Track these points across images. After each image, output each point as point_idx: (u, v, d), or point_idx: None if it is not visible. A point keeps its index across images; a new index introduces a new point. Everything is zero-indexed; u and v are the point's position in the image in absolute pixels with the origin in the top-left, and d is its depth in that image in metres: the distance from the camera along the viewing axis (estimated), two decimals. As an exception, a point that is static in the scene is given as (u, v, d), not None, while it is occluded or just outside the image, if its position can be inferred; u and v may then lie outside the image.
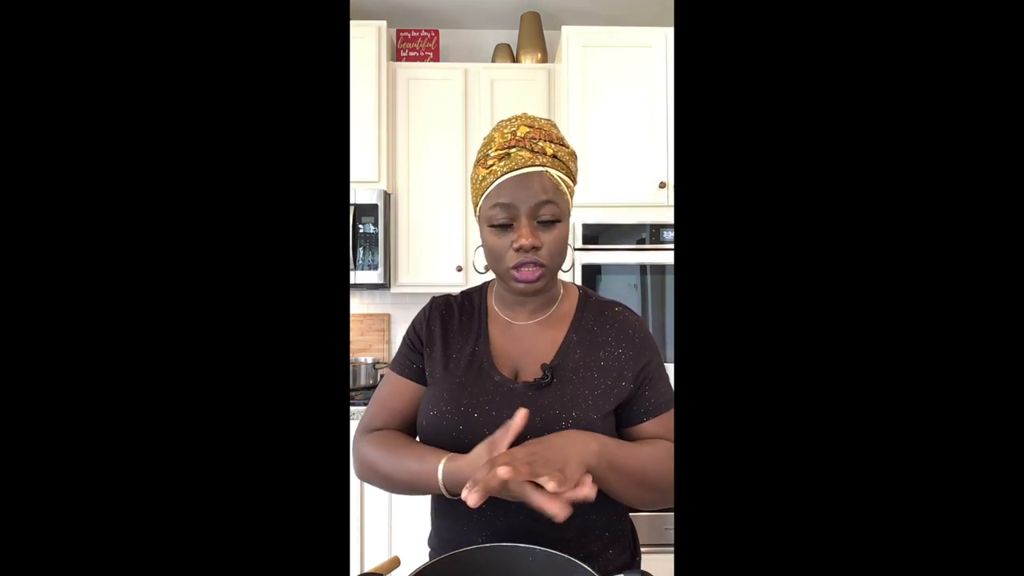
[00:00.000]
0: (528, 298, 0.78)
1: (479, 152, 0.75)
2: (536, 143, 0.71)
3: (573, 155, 0.75)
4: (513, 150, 0.70)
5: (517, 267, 0.71)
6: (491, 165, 0.72)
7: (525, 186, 0.70)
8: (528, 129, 0.72)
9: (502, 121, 0.75)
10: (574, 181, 0.75)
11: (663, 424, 0.79)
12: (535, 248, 0.70)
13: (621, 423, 0.79)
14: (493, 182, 0.71)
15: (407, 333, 0.85)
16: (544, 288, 0.74)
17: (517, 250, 0.70)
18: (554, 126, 0.76)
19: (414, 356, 0.82)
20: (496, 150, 0.72)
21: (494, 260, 0.73)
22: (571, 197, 0.75)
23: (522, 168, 0.70)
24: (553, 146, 0.72)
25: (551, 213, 0.71)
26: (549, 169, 0.71)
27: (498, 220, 0.71)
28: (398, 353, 0.84)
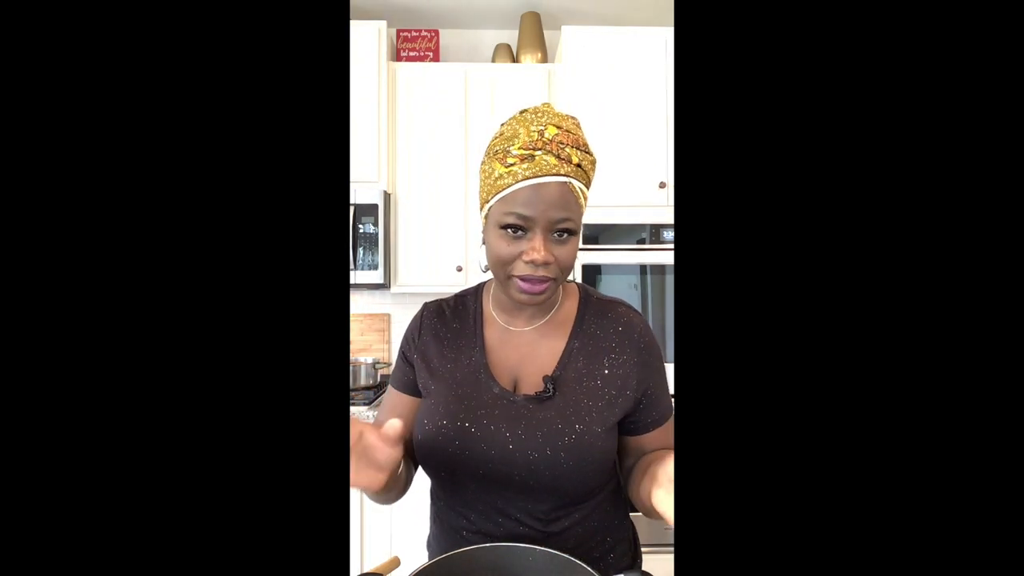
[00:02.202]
0: (525, 305, 0.74)
1: (498, 143, 0.68)
2: (563, 149, 0.65)
3: (594, 163, 0.70)
4: (539, 153, 0.65)
5: (524, 278, 0.67)
6: (511, 164, 0.65)
7: (546, 197, 0.64)
8: (556, 131, 0.66)
9: (527, 112, 0.69)
10: (589, 189, 0.70)
11: (667, 432, 0.77)
12: (547, 264, 0.66)
13: (625, 432, 0.76)
14: (512, 184, 0.65)
15: (400, 344, 0.82)
16: (548, 299, 0.71)
17: (527, 263, 0.66)
18: (579, 127, 0.70)
19: (406, 368, 0.80)
20: (520, 148, 0.65)
21: (498, 264, 0.68)
22: (586, 204, 0.70)
23: (546, 176, 0.64)
24: (579, 154, 0.66)
25: (568, 228, 0.66)
26: (572, 180, 0.66)
27: (511, 225, 0.66)
28: (395, 367, 0.83)
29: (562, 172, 0.65)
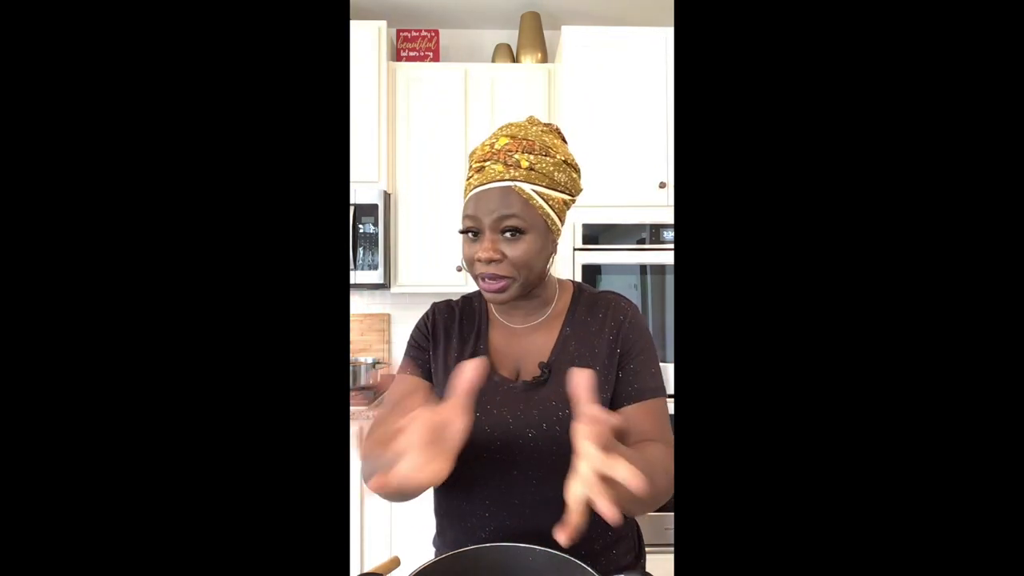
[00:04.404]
0: (517, 303, 0.79)
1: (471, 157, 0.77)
2: (511, 156, 0.71)
3: (562, 164, 0.74)
4: (488, 163, 0.73)
5: (482, 277, 0.73)
6: (470, 176, 0.75)
7: (488, 201, 0.71)
8: (508, 140, 0.73)
9: (503, 127, 0.76)
10: (562, 190, 0.74)
11: (646, 412, 0.75)
12: (494, 260, 0.72)
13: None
14: (468, 194, 0.74)
15: (412, 336, 0.85)
16: (515, 297, 0.74)
17: (479, 261, 0.73)
18: (548, 132, 0.76)
19: (422, 354, 0.83)
20: (476, 161, 0.74)
21: (467, 266, 0.76)
22: (556, 205, 0.74)
23: (490, 183, 0.72)
24: (532, 157, 0.72)
25: (514, 226, 0.71)
26: (519, 183, 0.71)
27: (468, 230, 0.74)
28: (404, 358, 0.85)
29: (507, 177, 0.71)
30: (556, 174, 0.73)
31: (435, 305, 0.87)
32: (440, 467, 0.51)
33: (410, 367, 0.82)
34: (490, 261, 0.72)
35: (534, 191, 0.72)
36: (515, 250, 0.72)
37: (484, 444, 0.73)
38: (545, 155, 0.73)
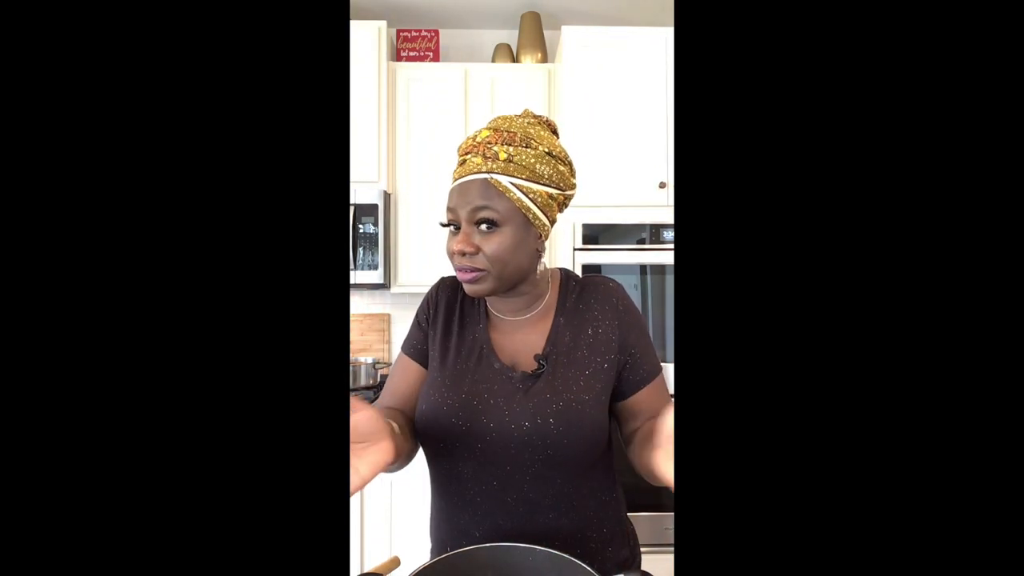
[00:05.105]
0: (505, 298, 0.79)
1: None
2: (491, 148, 0.71)
3: (544, 156, 0.72)
4: (469, 156, 0.72)
5: (459, 270, 0.73)
6: (454, 170, 0.75)
7: (464, 193, 0.71)
8: (489, 132, 0.72)
9: (491, 120, 0.76)
10: (546, 183, 0.72)
11: (657, 391, 0.79)
12: (465, 253, 0.71)
13: (616, 397, 0.78)
14: (450, 188, 0.74)
15: (417, 312, 0.86)
16: (492, 291, 0.74)
17: (454, 254, 0.73)
18: (535, 124, 0.74)
19: (420, 336, 0.84)
20: (460, 154, 0.74)
21: (449, 261, 0.76)
22: (539, 199, 0.72)
23: (469, 175, 0.71)
24: (511, 149, 0.70)
25: (488, 218, 0.70)
26: (496, 175, 0.70)
27: (449, 223, 0.74)
28: (408, 333, 0.86)
29: (484, 169, 0.70)
30: (538, 166, 0.71)
31: (442, 280, 0.86)
32: (384, 448, 0.59)
33: (407, 347, 0.85)
34: (463, 253, 0.71)
35: (511, 183, 0.70)
36: (490, 243, 0.71)
37: (479, 435, 0.73)
38: (526, 147, 0.71)
